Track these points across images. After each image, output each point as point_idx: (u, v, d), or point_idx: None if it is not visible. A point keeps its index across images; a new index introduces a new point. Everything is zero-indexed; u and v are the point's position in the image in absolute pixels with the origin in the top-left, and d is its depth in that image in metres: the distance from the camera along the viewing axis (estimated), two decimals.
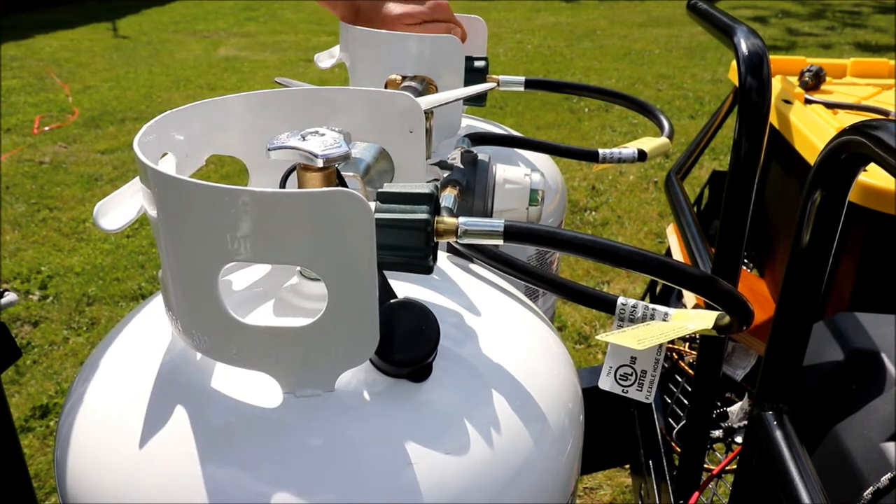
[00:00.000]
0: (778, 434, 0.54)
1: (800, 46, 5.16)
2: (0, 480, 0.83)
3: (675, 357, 1.07)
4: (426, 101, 0.53)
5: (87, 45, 5.38)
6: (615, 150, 0.73)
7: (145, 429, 0.38)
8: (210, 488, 0.36)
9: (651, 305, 0.47)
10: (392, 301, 0.40)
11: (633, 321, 0.47)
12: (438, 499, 0.36)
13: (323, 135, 0.39)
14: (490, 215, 0.60)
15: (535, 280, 0.53)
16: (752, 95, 0.66)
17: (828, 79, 1.15)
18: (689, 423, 0.85)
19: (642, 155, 0.73)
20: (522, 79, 0.91)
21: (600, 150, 0.73)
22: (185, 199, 0.34)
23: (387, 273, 0.43)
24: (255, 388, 0.39)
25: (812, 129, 0.95)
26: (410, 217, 0.38)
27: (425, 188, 0.39)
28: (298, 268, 0.45)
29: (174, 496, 0.36)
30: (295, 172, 0.41)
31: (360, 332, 0.37)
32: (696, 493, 0.84)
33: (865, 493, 0.49)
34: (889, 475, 0.48)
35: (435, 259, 0.40)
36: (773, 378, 0.56)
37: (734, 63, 0.92)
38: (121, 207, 0.39)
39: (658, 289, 1.31)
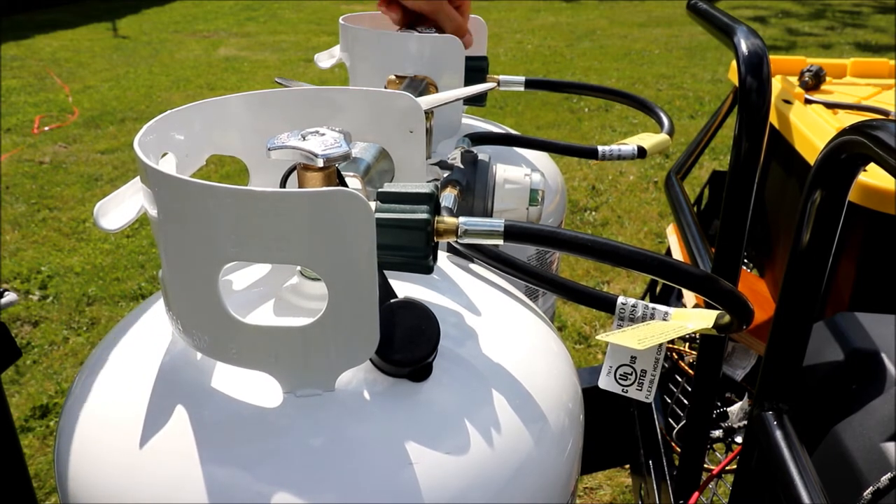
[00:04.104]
0: (778, 434, 0.54)
1: (800, 46, 5.16)
2: (0, 480, 0.83)
3: (675, 357, 1.07)
4: (426, 101, 0.53)
5: (87, 45, 5.38)
6: (614, 146, 0.73)
7: (145, 428, 0.38)
8: (210, 488, 0.36)
9: (651, 305, 0.47)
10: (392, 301, 0.40)
11: (632, 321, 0.47)
12: (438, 498, 0.36)
13: (323, 134, 0.39)
14: (490, 215, 0.60)
15: (535, 280, 0.53)
16: (752, 95, 0.66)
17: (828, 79, 1.15)
18: (689, 423, 0.85)
19: (642, 152, 0.73)
20: (522, 79, 0.91)
21: (599, 147, 0.73)
22: (185, 198, 0.34)
23: (387, 273, 0.43)
24: (255, 388, 0.39)
25: (812, 129, 0.95)
26: (410, 217, 0.38)
27: (425, 188, 0.39)
28: (298, 267, 0.45)
29: (174, 496, 0.36)
30: (295, 172, 0.41)
31: (360, 331, 0.37)
32: (696, 493, 0.84)
33: (865, 493, 0.49)
34: (889, 475, 0.48)
35: (435, 259, 0.40)
36: (773, 378, 0.56)
37: (734, 63, 0.92)
38: (121, 207, 0.39)
39: (658, 289, 1.31)
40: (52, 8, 6.74)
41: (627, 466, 1.37)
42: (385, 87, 0.78)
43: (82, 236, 2.49)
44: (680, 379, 1.07)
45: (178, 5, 7.15)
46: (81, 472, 0.40)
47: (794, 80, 1.15)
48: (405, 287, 0.47)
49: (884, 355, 0.63)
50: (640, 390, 0.46)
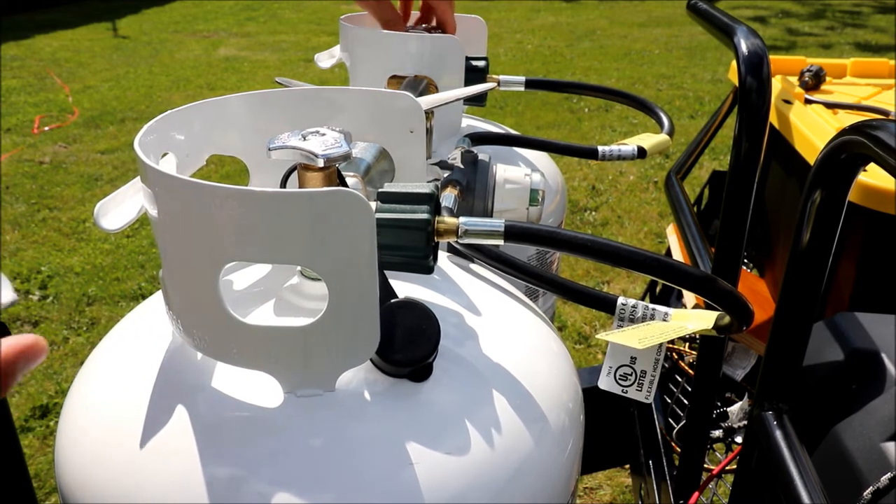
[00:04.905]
0: (778, 434, 0.54)
1: (800, 46, 5.16)
2: (0, 480, 0.83)
3: (675, 357, 1.07)
4: (426, 101, 0.53)
5: (87, 45, 5.37)
6: (614, 147, 0.73)
7: (145, 429, 0.38)
8: (210, 488, 0.36)
9: (651, 305, 0.47)
10: (392, 301, 0.40)
11: (633, 321, 0.47)
12: (438, 499, 0.36)
13: (323, 135, 0.39)
14: (490, 215, 0.60)
15: (535, 280, 0.53)
16: (752, 95, 0.66)
17: (828, 79, 1.15)
18: (689, 423, 0.85)
19: (642, 152, 0.73)
20: (522, 79, 0.91)
21: (599, 147, 0.73)
22: (186, 199, 0.34)
23: (387, 273, 0.43)
24: (256, 388, 0.39)
25: (812, 129, 0.95)
26: (411, 217, 0.38)
27: (426, 188, 0.39)
28: (299, 267, 0.45)
29: (174, 496, 0.36)
30: (295, 172, 0.41)
31: (360, 331, 0.37)
32: (696, 493, 0.84)
33: (865, 493, 0.49)
34: (889, 475, 0.48)
35: (435, 259, 0.40)
36: (773, 378, 0.56)
37: (734, 63, 0.92)
38: (121, 207, 0.39)
39: (658, 289, 1.31)
40: (52, 8, 6.73)
41: (627, 466, 1.37)
42: (385, 87, 0.78)
43: (82, 236, 2.49)
44: (680, 379, 1.07)
45: (178, 5, 7.14)
46: (81, 472, 0.40)
47: (794, 80, 1.15)
48: (405, 287, 0.47)
49: (884, 355, 0.63)
50: (640, 391, 0.46)
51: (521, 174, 0.61)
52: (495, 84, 0.83)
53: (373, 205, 0.38)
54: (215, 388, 0.40)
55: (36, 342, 0.32)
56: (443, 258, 0.54)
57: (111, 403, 0.41)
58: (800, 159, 0.97)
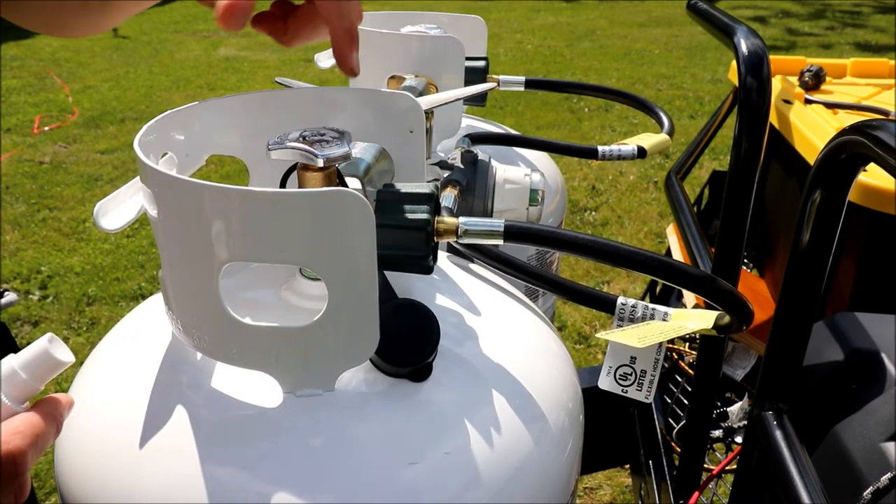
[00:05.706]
0: (778, 434, 0.54)
1: (800, 46, 5.15)
2: None
3: (675, 357, 1.07)
4: (426, 101, 0.53)
5: (87, 45, 5.37)
6: (614, 146, 0.73)
7: (145, 429, 0.38)
8: (210, 488, 0.36)
9: (651, 305, 0.47)
10: (392, 301, 0.40)
11: (632, 321, 0.47)
12: (438, 499, 0.36)
13: (323, 134, 0.39)
14: (490, 215, 0.60)
15: (535, 280, 0.53)
16: (752, 95, 0.66)
17: (828, 79, 1.15)
18: (689, 423, 0.85)
19: (642, 152, 0.73)
20: (522, 79, 0.91)
21: (599, 147, 0.73)
22: (185, 199, 0.34)
23: (387, 273, 0.43)
24: (256, 388, 0.39)
25: (812, 129, 0.95)
26: (411, 217, 0.38)
27: (426, 188, 0.39)
28: (298, 267, 0.45)
29: (174, 496, 0.36)
30: (295, 172, 0.41)
31: (360, 331, 0.37)
32: (696, 493, 0.84)
33: (865, 493, 0.49)
34: (889, 475, 0.48)
35: (435, 259, 0.40)
36: (773, 378, 0.56)
37: (734, 63, 0.92)
38: (121, 207, 0.39)
39: (658, 289, 1.31)
40: None
41: (627, 466, 1.37)
42: (385, 87, 0.78)
43: (82, 236, 2.49)
44: (680, 379, 1.07)
45: (178, 5, 7.14)
46: (81, 472, 0.40)
47: (794, 80, 1.15)
48: (405, 287, 0.47)
49: (884, 355, 0.63)
50: (640, 391, 0.46)
51: (520, 174, 0.61)
52: (495, 84, 0.83)
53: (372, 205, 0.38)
54: (215, 388, 0.40)
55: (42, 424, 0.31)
56: (443, 258, 0.54)
57: (111, 403, 0.41)
58: (800, 159, 0.97)
